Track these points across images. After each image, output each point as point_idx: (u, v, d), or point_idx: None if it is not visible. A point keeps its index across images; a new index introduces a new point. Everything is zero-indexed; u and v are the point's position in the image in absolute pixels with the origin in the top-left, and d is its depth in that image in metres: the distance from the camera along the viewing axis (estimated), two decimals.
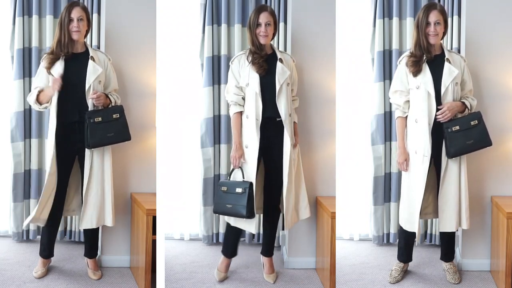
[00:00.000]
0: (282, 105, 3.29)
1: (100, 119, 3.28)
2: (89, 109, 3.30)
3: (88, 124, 3.26)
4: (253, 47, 3.31)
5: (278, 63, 3.32)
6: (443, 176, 3.29)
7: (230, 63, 3.41)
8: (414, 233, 3.37)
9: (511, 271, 3.28)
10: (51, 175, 3.29)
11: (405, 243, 3.51)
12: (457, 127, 3.23)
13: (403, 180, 3.39)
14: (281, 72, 3.31)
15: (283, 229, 3.92)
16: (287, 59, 3.41)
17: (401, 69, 3.33)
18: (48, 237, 3.48)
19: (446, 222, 3.32)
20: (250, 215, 3.28)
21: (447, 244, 3.51)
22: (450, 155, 3.24)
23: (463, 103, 3.27)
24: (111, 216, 3.42)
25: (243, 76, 3.32)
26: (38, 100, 3.32)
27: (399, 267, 3.52)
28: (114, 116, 3.34)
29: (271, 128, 3.32)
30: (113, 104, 3.40)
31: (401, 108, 3.33)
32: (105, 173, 3.39)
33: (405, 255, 3.53)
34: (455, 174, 3.29)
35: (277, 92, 3.29)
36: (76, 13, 3.26)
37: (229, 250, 3.54)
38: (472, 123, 3.25)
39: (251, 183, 3.29)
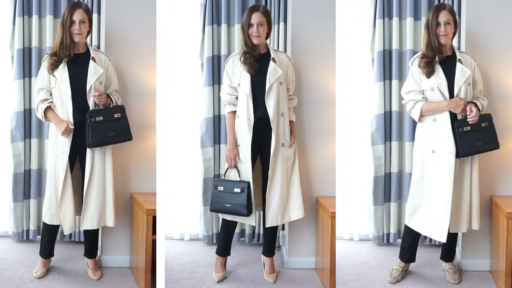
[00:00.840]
0: (271, 105, 3.30)
1: (101, 118, 3.28)
2: (90, 109, 3.30)
3: (89, 123, 3.26)
4: (245, 47, 3.32)
5: (271, 63, 3.32)
6: (455, 178, 3.27)
7: (225, 63, 3.43)
8: (419, 233, 3.40)
9: (511, 271, 3.28)
10: (67, 172, 3.31)
11: (410, 243, 3.50)
12: (468, 128, 3.22)
13: (413, 180, 3.37)
14: (273, 72, 3.31)
15: (283, 229, 3.94)
16: (282, 58, 3.41)
17: (414, 70, 3.31)
18: (48, 237, 3.49)
19: (459, 223, 3.32)
20: (249, 213, 3.32)
21: (449, 244, 3.50)
22: (459, 155, 3.23)
23: (475, 104, 3.27)
24: (112, 216, 3.42)
25: (236, 76, 3.34)
26: (45, 116, 3.34)
27: (400, 267, 3.52)
28: (116, 115, 3.34)
29: (264, 128, 3.33)
30: (114, 104, 3.40)
31: (421, 100, 3.27)
32: (106, 173, 3.39)
33: (408, 255, 3.52)
34: (467, 175, 3.29)
35: (266, 91, 3.30)
36: (78, 15, 3.25)
37: (221, 248, 3.54)
38: (482, 124, 3.24)
39: (249, 183, 3.31)
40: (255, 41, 3.30)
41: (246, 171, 3.35)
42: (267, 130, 3.33)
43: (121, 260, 3.72)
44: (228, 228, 3.52)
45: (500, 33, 3.56)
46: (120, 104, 3.44)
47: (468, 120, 3.19)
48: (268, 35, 3.38)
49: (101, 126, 3.27)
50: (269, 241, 3.57)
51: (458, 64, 3.25)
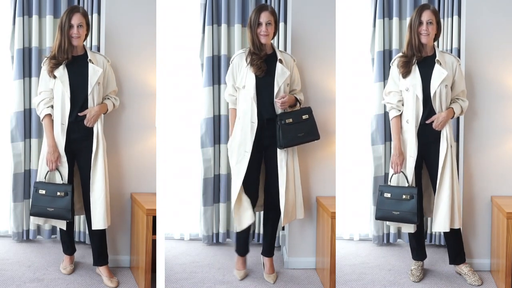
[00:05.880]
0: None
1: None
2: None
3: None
4: (252, 47, 3.31)
5: (278, 64, 3.32)
6: (440, 179, 3.29)
7: (230, 62, 3.42)
8: (422, 231, 3.44)
9: (511, 271, 3.28)
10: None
11: (416, 242, 3.51)
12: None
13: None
14: (281, 73, 3.32)
15: (283, 229, 3.94)
16: (287, 59, 3.41)
17: (393, 70, 3.38)
18: (68, 235, 3.54)
19: (441, 222, 3.32)
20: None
21: (453, 246, 3.48)
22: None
23: (452, 109, 3.31)
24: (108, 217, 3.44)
25: (241, 76, 3.33)
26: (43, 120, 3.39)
27: (418, 265, 3.52)
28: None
29: (270, 129, 3.33)
30: (109, 109, 3.43)
31: (395, 106, 3.36)
32: (105, 172, 3.40)
33: (420, 254, 3.53)
34: (448, 177, 3.29)
35: (275, 93, 3.30)
36: (76, 19, 3.28)
37: (240, 248, 3.56)
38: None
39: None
40: (263, 40, 3.30)
41: (241, 172, 3.34)
42: (274, 131, 3.33)
43: (121, 260, 3.72)
44: (247, 229, 3.49)
45: (500, 34, 3.56)
46: (117, 105, 3.47)
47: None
48: (274, 35, 3.38)
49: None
50: (268, 241, 3.57)
51: (436, 65, 3.27)
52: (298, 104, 3.43)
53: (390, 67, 3.46)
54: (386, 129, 3.90)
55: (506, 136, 3.58)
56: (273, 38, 3.38)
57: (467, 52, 3.56)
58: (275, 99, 3.31)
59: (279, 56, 3.35)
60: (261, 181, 3.53)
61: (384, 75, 3.87)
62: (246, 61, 3.32)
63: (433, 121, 3.28)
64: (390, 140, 3.90)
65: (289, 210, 3.39)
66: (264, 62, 3.30)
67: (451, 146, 3.30)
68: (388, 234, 4.02)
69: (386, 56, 3.88)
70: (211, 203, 3.99)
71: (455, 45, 3.74)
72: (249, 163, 3.34)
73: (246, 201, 3.38)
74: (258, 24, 3.29)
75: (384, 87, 3.85)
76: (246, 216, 3.38)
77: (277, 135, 3.32)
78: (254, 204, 3.49)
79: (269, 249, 3.58)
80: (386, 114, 3.88)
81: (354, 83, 4.03)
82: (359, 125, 4.05)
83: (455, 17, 3.72)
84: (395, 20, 3.84)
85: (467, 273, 3.46)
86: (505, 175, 3.60)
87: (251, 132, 3.30)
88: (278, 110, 3.32)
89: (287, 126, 3.31)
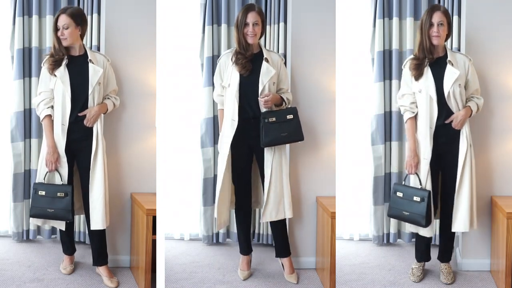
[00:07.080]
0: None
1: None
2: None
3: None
4: (238, 47, 3.32)
5: (264, 63, 3.33)
6: (460, 178, 3.28)
7: (217, 61, 3.44)
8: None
9: (511, 271, 3.28)
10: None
11: (425, 245, 3.50)
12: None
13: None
14: (266, 72, 3.32)
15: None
16: (275, 58, 3.41)
17: (405, 73, 3.36)
18: (68, 235, 3.54)
19: (461, 223, 3.31)
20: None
21: (444, 245, 3.50)
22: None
23: (469, 107, 3.29)
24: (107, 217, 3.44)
25: (227, 76, 3.35)
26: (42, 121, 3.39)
27: (419, 265, 3.52)
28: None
29: (256, 127, 3.34)
30: (109, 109, 3.44)
31: (409, 108, 3.34)
32: (104, 172, 3.40)
33: (425, 256, 3.52)
34: (467, 176, 3.28)
35: (259, 92, 3.31)
36: (61, 21, 3.28)
37: (243, 247, 3.57)
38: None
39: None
40: (250, 40, 3.30)
41: (220, 170, 3.39)
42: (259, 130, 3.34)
43: (121, 260, 3.72)
44: (245, 227, 3.54)
45: (499, 34, 3.56)
46: (117, 105, 3.48)
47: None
48: (261, 35, 3.38)
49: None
50: (280, 241, 3.54)
51: (448, 66, 3.25)
52: (284, 104, 3.43)
53: (398, 67, 3.44)
54: (386, 129, 3.90)
55: (506, 136, 3.58)
56: (260, 38, 3.39)
57: (467, 52, 3.55)
58: (258, 98, 3.31)
59: (265, 55, 3.35)
60: (259, 181, 3.55)
61: (384, 75, 3.87)
62: (232, 61, 3.32)
63: (451, 121, 3.26)
64: (390, 140, 3.91)
65: (269, 209, 3.39)
66: (249, 62, 3.31)
67: (470, 145, 3.28)
68: (388, 234, 4.02)
69: (386, 56, 3.88)
70: (211, 203, 3.99)
71: (455, 45, 3.74)
72: (237, 162, 3.38)
73: (227, 203, 3.44)
74: (245, 24, 3.29)
75: (384, 87, 3.87)
76: (223, 218, 3.45)
77: (260, 134, 3.32)
78: (249, 204, 3.53)
79: (282, 249, 3.55)
80: (386, 114, 3.89)
81: (354, 83, 4.03)
82: (359, 125, 4.05)
83: (455, 17, 3.72)
84: (395, 20, 3.84)
85: (442, 271, 3.48)
86: (505, 175, 3.60)
87: (231, 130, 3.32)
88: (263, 108, 3.33)
89: (270, 125, 3.30)
